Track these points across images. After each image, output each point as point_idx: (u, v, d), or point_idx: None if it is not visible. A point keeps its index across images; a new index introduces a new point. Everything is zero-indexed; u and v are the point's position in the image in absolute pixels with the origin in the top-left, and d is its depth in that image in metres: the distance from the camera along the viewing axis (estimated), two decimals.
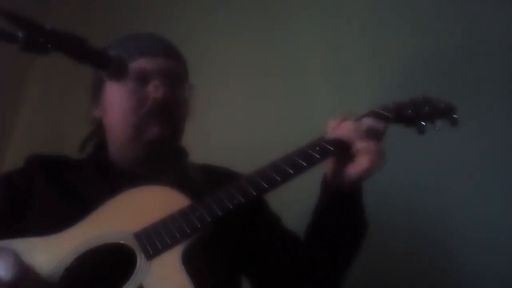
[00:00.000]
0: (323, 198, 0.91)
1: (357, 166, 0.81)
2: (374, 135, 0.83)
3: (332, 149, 0.83)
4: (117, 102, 0.97)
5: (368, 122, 0.85)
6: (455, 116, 0.95)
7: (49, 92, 2.16)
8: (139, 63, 0.95)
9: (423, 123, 0.93)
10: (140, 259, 0.73)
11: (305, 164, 0.80)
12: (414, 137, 0.96)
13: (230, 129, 1.67)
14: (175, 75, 1.01)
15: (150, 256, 0.73)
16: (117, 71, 0.76)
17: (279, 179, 0.79)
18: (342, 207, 0.87)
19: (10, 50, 0.65)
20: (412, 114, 0.94)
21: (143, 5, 2.07)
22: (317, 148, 0.83)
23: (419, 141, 1.00)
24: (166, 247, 0.74)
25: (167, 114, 0.96)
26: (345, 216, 0.88)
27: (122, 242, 0.77)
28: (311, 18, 1.65)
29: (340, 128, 0.85)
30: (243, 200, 0.77)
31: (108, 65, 0.74)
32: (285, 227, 1.04)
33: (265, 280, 1.00)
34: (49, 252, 0.76)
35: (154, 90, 0.95)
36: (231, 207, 0.77)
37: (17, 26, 0.62)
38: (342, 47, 1.56)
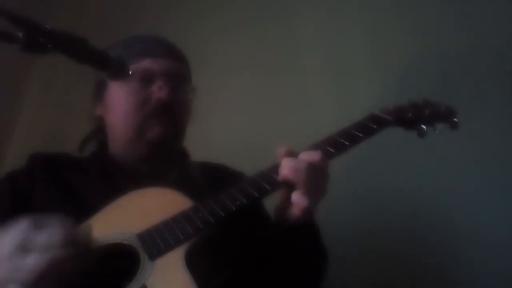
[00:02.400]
0: (274, 230, 0.88)
1: (295, 206, 0.77)
2: (314, 170, 0.78)
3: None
4: (120, 102, 0.98)
5: (305, 158, 0.80)
6: (455, 119, 0.95)
7: (49, 92, 2.16)
8: (143, 64, 0.96)
9: (424, 126, 0.93)
10: (144, 260, 0.73)
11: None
12: (414, 139, 0.95)
13: (230, 129, 1.67)
14: (178, 77, 1.01)
15: (153, 257, 0.73)
16: (117, 71, 0.76)
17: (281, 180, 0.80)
18: (291, 240, 0.84)
19: (10, 50, 0.64)
20: (412, 117, 0.94)
21: (143, 6, 2.06)
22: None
23: (419, 143, 1.00)
24: (169, 247, 0.74)
25: (169, 115, 0.97)
26: (294, 248, 0.85)
27: (125, 242, 0.77)
28: (311, 18, 1.65)
29: (280, 168, 0.80)
30: (245, 202, 0.78)
31: (108, 65, 0.74)
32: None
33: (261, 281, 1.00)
34: None
35: (158, 91, 0.95)
36: (234, 208, 0.77)
37: (17, 26, 0.62)
38: (342, 47, 1.56)
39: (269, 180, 0.81)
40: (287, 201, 0.79)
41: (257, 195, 0.79)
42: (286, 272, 0.88)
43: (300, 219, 0.79)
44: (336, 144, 0.85)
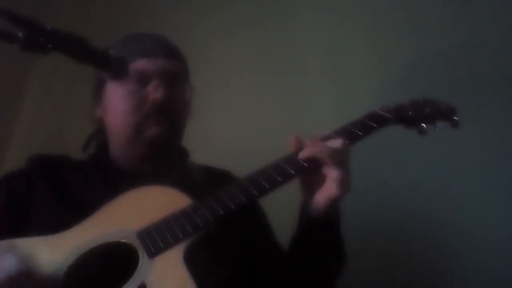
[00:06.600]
0: (298, 225, 0.89)
1: (325, 193, 0.80)
2: (340, 157, 0.81)
3: (306, 165, 0.82)
4: (117, 103, 0.98)
5: (335, 144, 0.83)
6: (455, 117, 0.95)
7: (49, 92, 2.16)
8: (140, 64, 0.96)
9: (424, 125, 0.93)
10: (142, 258, 0.74)
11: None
12: (414, 138, 0.95)
13: (230, 129, 1.67)
14: (175, 76, 1.01)
15: (152, 255, 0.74)
16: (118, 71, 0.76)
17: (281, 180, 0.80)
18: (315, 235, 0.86)
19: (10, 50, 0.64)
20: (413, 115, 0.94)
21: (143, 5, 2.07)
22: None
23: (419, 142, 1.00)
24: (168, 245, 0.74)
25: (166, 114, 0.97)
26: (319, 244, 0.86)
27: (124, 241, 0.77)
28: (311, 18, 1.65)
29: (311, 147, 0.83)
30: (244, 200, 0.78)
31: (109, 65, 0.73)
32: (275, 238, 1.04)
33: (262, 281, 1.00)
34: (52, 251, 0.76)
35: (154, 91, 0.95)
36: (233, 206, 0.77)
37: (17, 26, 0.62)
38: (342, 47, 1.56)
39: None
40: (310, 191, 0.82)
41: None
42: (300, 271, 0.89)
43: (326, 207, 0.80)
44: None
